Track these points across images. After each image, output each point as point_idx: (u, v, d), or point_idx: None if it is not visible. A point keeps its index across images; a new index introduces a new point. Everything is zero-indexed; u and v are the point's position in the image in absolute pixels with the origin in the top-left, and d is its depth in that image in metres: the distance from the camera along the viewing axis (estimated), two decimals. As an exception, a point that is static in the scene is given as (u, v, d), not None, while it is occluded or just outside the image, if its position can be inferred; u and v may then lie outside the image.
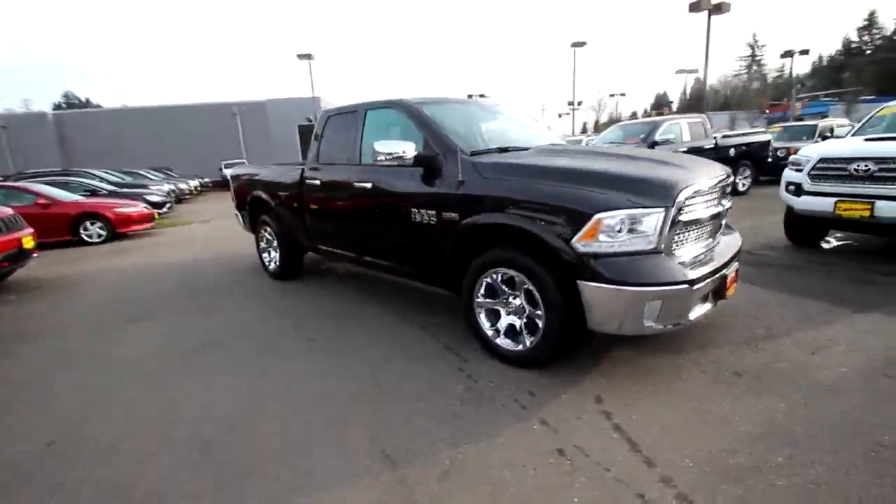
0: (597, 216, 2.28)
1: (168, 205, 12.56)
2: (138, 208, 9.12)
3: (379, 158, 3.07)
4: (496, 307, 2.87)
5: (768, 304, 3.57)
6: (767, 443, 2.01)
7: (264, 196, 4.95)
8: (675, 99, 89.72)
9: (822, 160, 4.54)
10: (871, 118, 5.34)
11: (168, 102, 30.60)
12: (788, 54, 30.89)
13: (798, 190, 4.76)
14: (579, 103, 31.50)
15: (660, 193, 2.34)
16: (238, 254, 6.75)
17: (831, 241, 5.40)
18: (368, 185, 3.53)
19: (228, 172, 5.77)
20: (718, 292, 2.61)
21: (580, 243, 2.33)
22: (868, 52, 65.98)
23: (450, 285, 3.23)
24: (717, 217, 2.73)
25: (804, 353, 2.78)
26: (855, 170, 4.26)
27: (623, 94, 59.36)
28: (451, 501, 1.79)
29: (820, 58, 77.47)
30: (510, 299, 2.79)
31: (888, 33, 63.94)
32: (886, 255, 4.78)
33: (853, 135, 5.28)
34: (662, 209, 2.30)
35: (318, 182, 4.09)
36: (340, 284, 4.87)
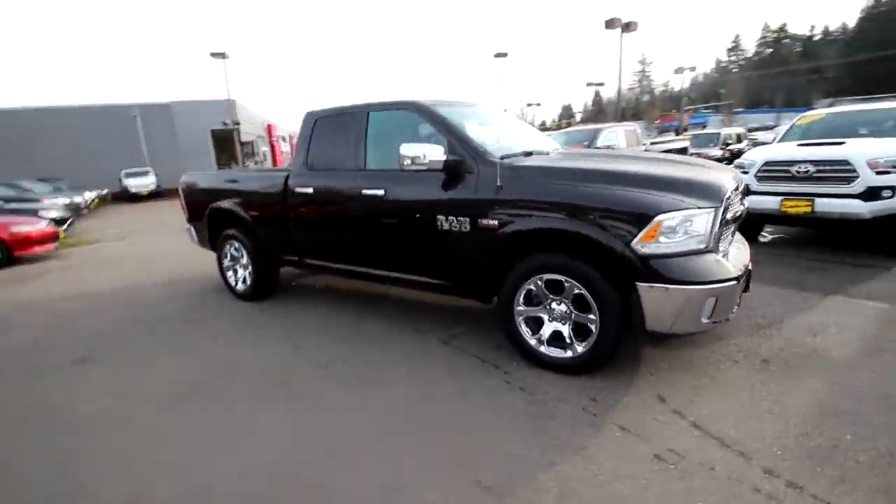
0: (658, 217, 2.32)
1: (69, 221, 10.81)
2: (39, 226, 7.70)
3: (406, 163, 2.87)
4: (538, 314, 2.81)
5: (747, 295, 3.91)
6: (829, 422, 2.17)
7: (231, 207, 4.42)
8: (579, 110, 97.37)
9: (766, 163, 5.11)
10: (792, 127, 6.14)
11: (53, 103, 26.39)
12: (679, 70, 34.78)
13: (746, 190, 5.30)
14: (505, 111, 32.81)
15: (710, 194, 2.44)
16: (182, 275, 5.97)
17: (767, 236, 6.11)
18: (380, 193, 3.29)
19: (182, 180, 5.08)
20: (746, 287, 2.79)
21: (640, 245, 2.35)
22: (735, 70, 76.88)
23: (478, 295, 3.11)
24: (740, 216, 2.92)
25: (807, 336, 3.07)
26: (797, 171, 4.85)
27: (539, 104, 63.01)
28: (580, 526, 1.68)
29: (695, 74, 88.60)
30: (553, 305, 2.75)
31: (749, 55, 75.32)
32: (814, 244, 5.50)
33: (780, 140, 6.04)
34: (713, 209, 2.40)
35: (309, 190, 3.73)
36: (326, 301, 4.50)
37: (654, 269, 2.35)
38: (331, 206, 3.66)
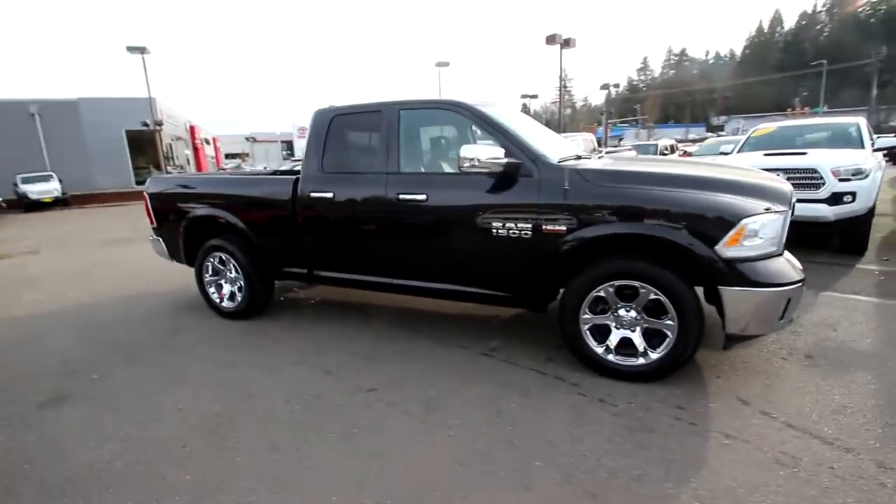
0: (743, 221, 2.34)
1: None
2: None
3: (465, 166, 2.67)
4: (604, 322, 2.73)
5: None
6: (901, 412, 2.30)
7: (219, 214, 3.89)
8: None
9: (740, 171, 5.52)
10: (748, 139, 6.73)
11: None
12: (605, 87, 37.28)
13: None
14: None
15: (780, 198, 2.52)
16: (135, 292, 5.19)
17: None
18: (421, 198, 3.04)
19: (150, 185, 4.39)
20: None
21: (725, 249, 2.36)
22: (643, 88, 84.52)
23: (532, 304, 2.97)
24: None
25: (829, 331, 3.29)
26: (769, 178, 5.29)
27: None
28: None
29: (608, 91, 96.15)
30: (622, 312, 2.68)
31: (656, 75, 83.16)
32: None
33: (739, 151, 6.58)
34: (785, 212, 2.48)
35: (328, 195, 3.37)
36: (331, 316, 4.10)
37: (738, 272, 2.36)
38: (355, 212, 3.33)
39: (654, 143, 14.92)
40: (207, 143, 35.62)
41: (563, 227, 2.66)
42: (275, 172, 5.38)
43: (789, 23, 74.58)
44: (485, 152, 2.66)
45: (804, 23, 71.42)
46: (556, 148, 3.36)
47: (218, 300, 4.17)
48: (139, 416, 2.61)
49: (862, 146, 5.63)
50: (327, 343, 3.50)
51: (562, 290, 2.81)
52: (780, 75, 63.45)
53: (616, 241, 2.60)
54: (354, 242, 3.40)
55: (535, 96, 43.93)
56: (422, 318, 3.93)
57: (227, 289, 4.14)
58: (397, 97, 3.30)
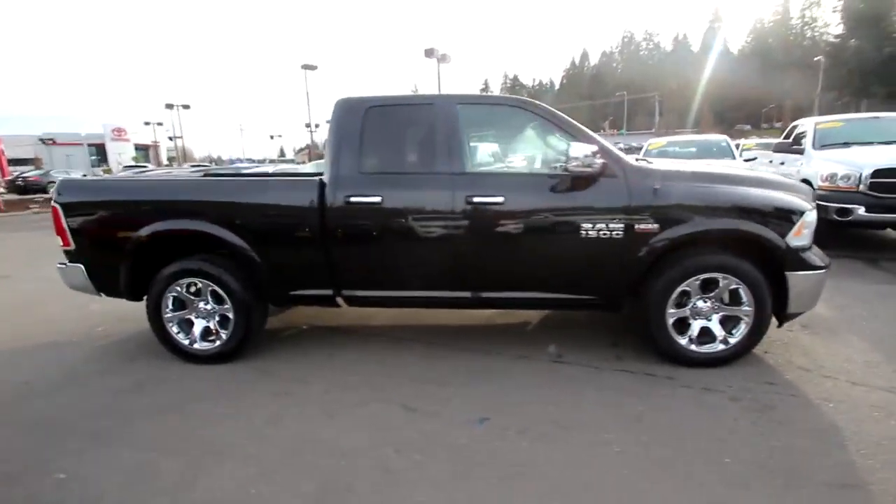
0: (805, 214, 2.72)
1: None
2: None
3: (573, 165, 2.54)
4: (682, 315, 2.87)
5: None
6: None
7: (205, 229, 2.98)
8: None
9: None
10: (646, 150, 7.89)
11: None
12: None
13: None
14: (317, 126, 31.06)
15: (810, 196, 2.99)
16: (47, 336, 3.69)
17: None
18: (498, 200, 2.79)
19: (62, 193, 3.07)
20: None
21: (793, 239, 2.71)
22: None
23: (612, 305, 2.98)
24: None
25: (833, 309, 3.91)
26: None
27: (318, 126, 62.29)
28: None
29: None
30: (700, 304, 2.86)
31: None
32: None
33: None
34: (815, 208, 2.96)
35: (375, 199, 2.85)
36: (341, 341, 3.47)
37: (801, 259, 2.73)
38: (412, 218, 2.88)
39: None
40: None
41: (655, 226, 2.72)
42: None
43: (594, 59, 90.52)
44: (589, 150, 2.58)
45: (605, 59, 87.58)
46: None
47: (186, 341, 3.17)
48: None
49: (733, 157, 7.09)
50: (375, 374, 2.96)
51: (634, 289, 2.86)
52: (590, 102, 76.62)
53: (702, 237, 2.76)
54: (408, 253, 2.95)
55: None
56: (445, 332, 3.62)
57: (199, 325, 3.18)
58: (441, 92, 2.97)
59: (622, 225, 2.74)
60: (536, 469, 2.05)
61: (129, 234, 3.03)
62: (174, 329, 3.17)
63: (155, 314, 3.13)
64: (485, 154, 3.12)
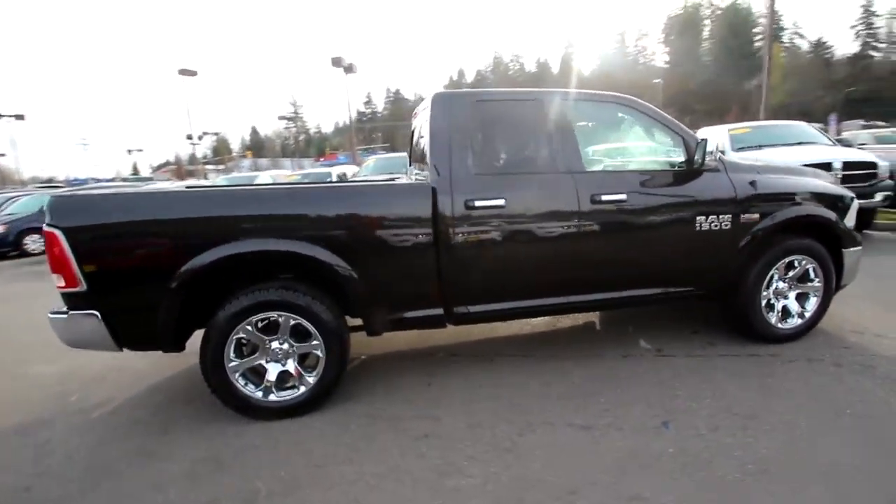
0: (854, 201, 3.16)
1: None
2: None
3: (697, 159, 2.64)
4: (768, 296, 3.11)
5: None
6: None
7: (296, 249, 2.40)
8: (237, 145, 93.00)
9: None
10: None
11: None
12: (362, 115, 38.88)
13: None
14: (200, 137, 27.17)
15: (840, 184, 3.49)
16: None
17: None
18: (622, 197, 2.73)
19: (62, 213, 2.15)
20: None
21: (848, 222, 3.12)
22: (367, 119, 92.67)
23: (719, 294, 3.10)
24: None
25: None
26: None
27: (201, 138, 55.92)
28: None
29: (337, 121, 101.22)
30: (780, 285, 3.13)
31: (380, 109, 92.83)
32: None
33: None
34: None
35: (498, 202, 2.57)
36: (421, 365, 3.05)
37: (852, 237, 3.16)
38: (536, 221, 2.67)
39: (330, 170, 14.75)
40: None
41: (756, 216, 2.92)
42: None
43: (470, 77, 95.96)
44: (700, 145, 2.68)
45: (479, 78, 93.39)
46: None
47: (259, 393, 2.50)
48: None
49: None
50: (498, 397, 2.65)
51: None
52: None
53: (792, 224, 3.02)
54: (532, 260, 2.72)
55: (293, 117, 41.57)
56: (514, 343, 3.46)
57: (273, 371, 2.54)
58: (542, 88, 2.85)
59: (730, 216, 2.88)
60: (780, 461, 2.00)
61: (180, 264, 2.30)
62: (239, 380, 2.48)
63: (215, 365, 2.42)
64: (596, 151, 3.04)
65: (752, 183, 2.95)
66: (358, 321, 2.73)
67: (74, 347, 2.46)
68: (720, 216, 2.88)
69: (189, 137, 21.92)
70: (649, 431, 2.27)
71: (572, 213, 2.69)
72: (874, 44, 52.99)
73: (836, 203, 3.12)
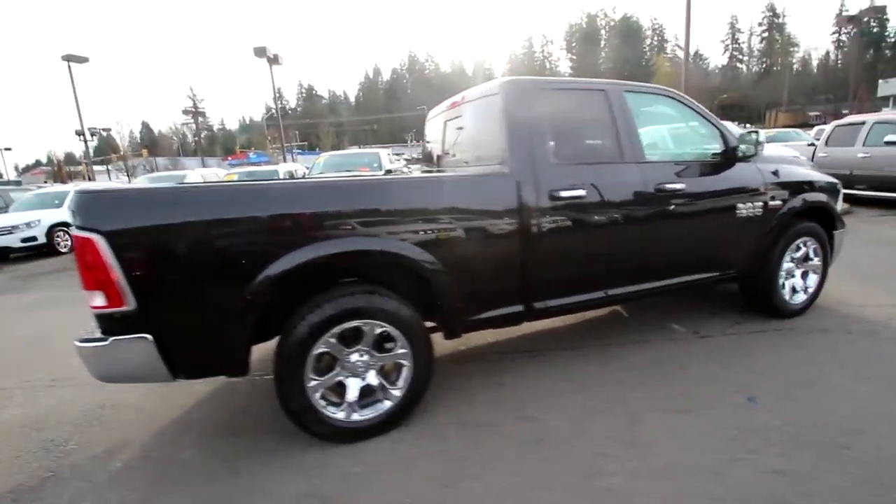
0: (841, 190, 3.61)
1: None
2: None
3: (743, 149, 2.83)
4: (782, 276, 3.45)
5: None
6: None
7: (389, 246, 2.16)
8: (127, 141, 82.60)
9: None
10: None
11: None
12: (268, 111, 36.55)
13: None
14: (93, 134, 23.09)
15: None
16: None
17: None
18: (681, 187, 2.83)
19: (107, 215, 1.65)
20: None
21: (838, 206, 3.56)
22: (274, 114, 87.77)
23: (746, 276, 3.35)
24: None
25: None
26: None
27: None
28: None
29: (243, 117, 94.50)
30: (788, 265, 3.48)
31: (293, 105, 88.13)
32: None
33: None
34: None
35: (580, 193, 2.53)
36: (476, 367, 2.92)
37: (841, 220, 3.60)
38: (611, 212, 2.66)
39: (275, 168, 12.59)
40: None
41: (779, 202, 3.21)
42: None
43: (386, 75, 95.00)
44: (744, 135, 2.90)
45: (396, 76, 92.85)
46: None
47: (340, 414, 2.21)
48: None
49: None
50: (584, 390, 2.63)
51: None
52: (389, 115, 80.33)
53: (801, 210, 3.35)
54: (606, 250, 2.71)
55: (195, 110, 37.61)
56: (555, 336, 3.46)
57: (353, 387, 2.26)
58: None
59: (762, 203, 3.13)
60: (870, 420, 2.20)
61: (258, 270, 1.94)
62: (318, 399, 2.17)
63: (293, 387, 2.08)
64: (651, 142, 3.11)
65: (775, 172, 3.24)
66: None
67: (111, 382, 1.97)
68: (754, 203, 3.12)
69: (80, 133, 18.78)
70: (742, 407, 2.39)
71: (641, 202, 2.75)
72: (740, 56, 61.85)
73: (831, 190, 3.54)
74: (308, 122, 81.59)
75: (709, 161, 3.03)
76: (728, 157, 3.05)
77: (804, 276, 3.56)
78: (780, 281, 3.39)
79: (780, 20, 68.58)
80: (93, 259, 1.77)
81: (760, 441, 2.11)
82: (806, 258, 3.50)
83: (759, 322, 3.44)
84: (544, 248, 2.52)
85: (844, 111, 36.99)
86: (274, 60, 18.13)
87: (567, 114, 2.69)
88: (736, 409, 2.37)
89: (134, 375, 1.95)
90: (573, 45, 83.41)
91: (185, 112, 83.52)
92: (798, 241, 3.38)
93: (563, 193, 2.51)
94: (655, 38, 78.54)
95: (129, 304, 1.82)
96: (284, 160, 29.26)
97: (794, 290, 3.50)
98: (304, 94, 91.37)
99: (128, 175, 29.18)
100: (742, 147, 2.93)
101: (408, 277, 2.33)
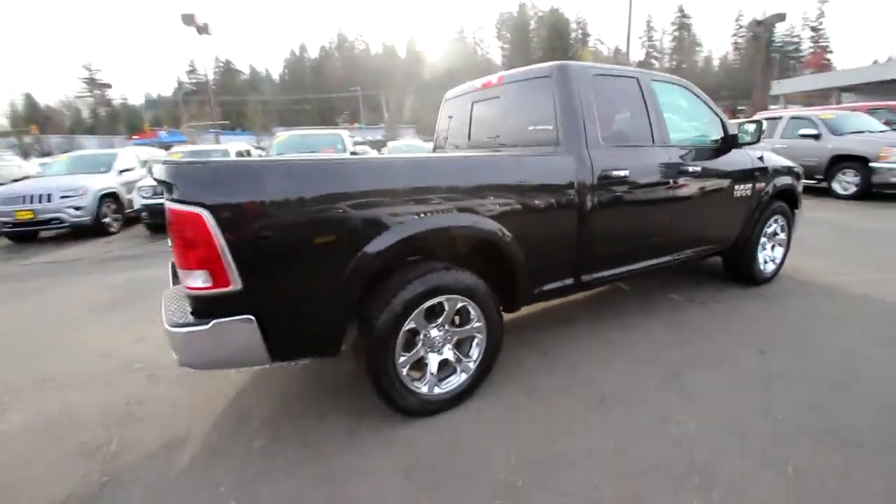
0: (800, 171, 4.19)
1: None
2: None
3: (746, 136, 3.22)
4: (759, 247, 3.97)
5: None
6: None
7: (480, 222, 2.23)
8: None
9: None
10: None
11: None
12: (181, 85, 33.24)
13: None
14: None
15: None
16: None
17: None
18: (699, 168, 3.16)
19: (208, 186, 1.49)
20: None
21: (798, 187, 4.15)
22: (193, 90, 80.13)
23: (728, 252, 3.79)
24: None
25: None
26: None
27: None
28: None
29: (149, 93, 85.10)
30: (763, 240, 3.99)
31: (208, 79, 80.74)
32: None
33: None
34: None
35: (624, 173, 2.73)
36: (513, 342, 3.09)
37: (801, 200, 4.19)
38: (646, 191, 2.91)
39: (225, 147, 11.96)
40: None
41: (764, 184, 3.67)
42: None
43: (314, 53, 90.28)
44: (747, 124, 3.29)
45: (324, 55, 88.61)
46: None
47: (425, 388, 2.26)
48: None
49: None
50: (620, 354, 2.88)
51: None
52: (318, 96, 76.69)
53: (780, 192, 3.85)
54: (642, 226, 2.98)
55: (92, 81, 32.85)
56: (569, 308, 3.73)
57: (434, 361, 2.31)
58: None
59: (751, 184, 3.57)
60: (877, 360, 2.67)
61: (360, 246, 1.92)
62: (405, 373, 2.20)
63: (385, 363, 2.10)
64: (672, 126, 3.36)
65: (761, 158, 3.70)
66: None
67: (203, 368, 1.85)
68: (746, 184, 3.55)
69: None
70: (757, 359, 2.77)
71: (668, 182, 3.03)
72: (654, 53, 66.94)
73: (797, 174, 4.11)
74: (231, 99, 75.60)
75: (712, 147, 3.39)
76: (727, 144, 3.43)
77: (773, 248, 4.12)
78: (758, 252, 3.91)
79: (688, 20, 75.20)
80: (198, 235, 1.65)
81: (786, 384, 2.49)
82: (775, 233, 4.05)
83: (739, 289, 3.94)
84: (595, 225, 2.71)
85: (741, 108, 41.73)
86: (204, 30, 16.50)
87: (609, 98, 2.88)
88: (754, 361, 2.76)
89: (232, 360, 1.85)
90: (503, 33, 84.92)
91: (87, 81, 73.77)
92: (771, 219, 3.90)
93: (614, 173, 2.71)
94: (580, 32, 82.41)
95: (236, 283, 1.72)
96: (192, 141, 26.90)
97: (765, 262, 4.04)
98: (221, 69, 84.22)
99: (23, 156, 25.07)
100: (743, 136, 3.33)
101: (480, 253, 2.40)
